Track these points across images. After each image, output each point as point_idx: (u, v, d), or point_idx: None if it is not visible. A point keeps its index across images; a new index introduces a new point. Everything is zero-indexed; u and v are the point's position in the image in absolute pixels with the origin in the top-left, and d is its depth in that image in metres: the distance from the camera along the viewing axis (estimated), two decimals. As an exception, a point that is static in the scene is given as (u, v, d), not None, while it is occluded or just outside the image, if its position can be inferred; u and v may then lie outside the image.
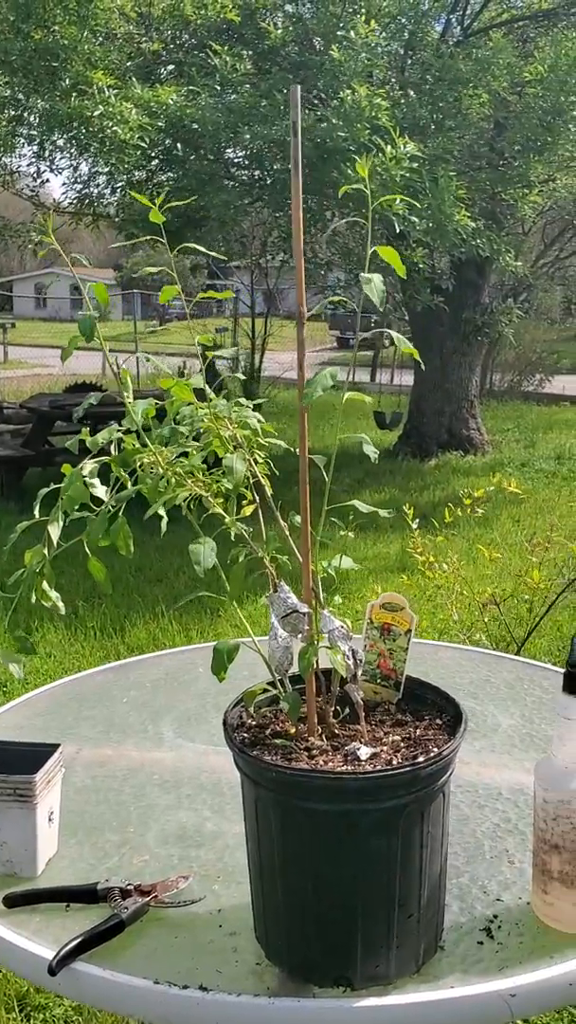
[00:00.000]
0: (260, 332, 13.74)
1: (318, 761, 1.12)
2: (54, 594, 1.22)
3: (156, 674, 2.17)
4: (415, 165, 6.19)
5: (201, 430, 1.23)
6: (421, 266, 7.15)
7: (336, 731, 1.21)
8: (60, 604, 1.21)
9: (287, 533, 1.19)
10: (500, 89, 7.24)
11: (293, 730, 1.19)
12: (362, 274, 1.09)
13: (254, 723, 1.23)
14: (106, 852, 1.45)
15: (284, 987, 1.14)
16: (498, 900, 1.30)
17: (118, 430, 1.26)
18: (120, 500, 1.20)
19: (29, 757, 1.40)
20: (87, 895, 1.31)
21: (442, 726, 1.21)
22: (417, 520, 2.97)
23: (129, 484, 1.23)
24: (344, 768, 1.09)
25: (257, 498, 1.21)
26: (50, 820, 1.41)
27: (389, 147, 6.14)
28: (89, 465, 1.23)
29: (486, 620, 2.98)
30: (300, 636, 1.15)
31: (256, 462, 1.21)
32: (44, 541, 1.18)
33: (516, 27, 9.18)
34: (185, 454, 1.21)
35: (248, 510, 1.18)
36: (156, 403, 1.25)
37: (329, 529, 1.22)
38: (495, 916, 1.27)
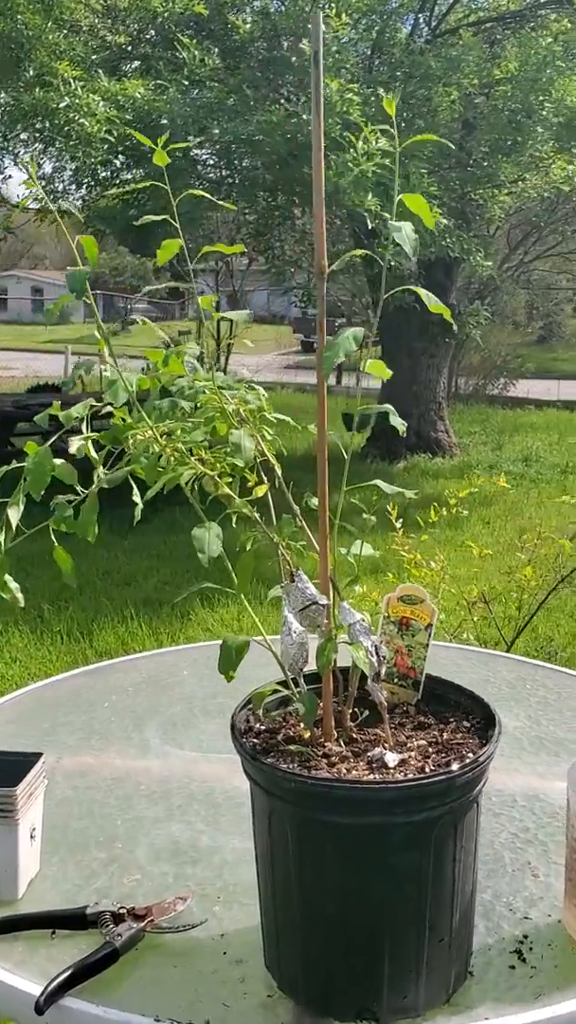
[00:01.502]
0: (225, 334, 13.60)
1: (340, 769, 1.01)
2: (13, 584, 1.09)
3: (136, 677, 2.04)
4: (387, 161, 6.11)
5: (198, 405, 1.11)
6: (393, 264, 7.06)
7: (354, 735, 1.09)
8: (19, 596, 1.09)
9: (301, 518, 1.07)
10: (471, 87, 7.19)
11: (308, 734, 1.08)
12: (391, 222, 0.98)
13: (263, 727, 1.11)
14: (93, 871, 1.32)
15: (300, 1022, 1.03)
16: (526, 918, 1.20)
17: (95, 405, 1.14)
18: (112, 482, 1.08)
19: (7, 768, 1.26)
20: (75, 920, 1.18)
21: (471, 729, 1.11)
22: (400, 521, 2.87)
23: (101, 468, 1.11)
24: (372, 777, 0.98)
25: (266, 480, 1.10)
26: (32, 837, 1.28)
27: (361, 143, 6.05)
28: (76, 443, 1.11)
29: (475, 619, 2.89)
30: (318, 631, 1.04)
31: (264, 439, 1.09)
32: (2, 525, 1.06)
33: (483, 28, 9.16)
34: (182, 431, 1.09)
35: (260, 490, 1.06)
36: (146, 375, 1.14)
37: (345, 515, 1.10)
38: (525, 936, 1.16)
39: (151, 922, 1.17)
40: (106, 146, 6.88)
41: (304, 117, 6.47)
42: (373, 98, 7.10)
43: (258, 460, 1.09)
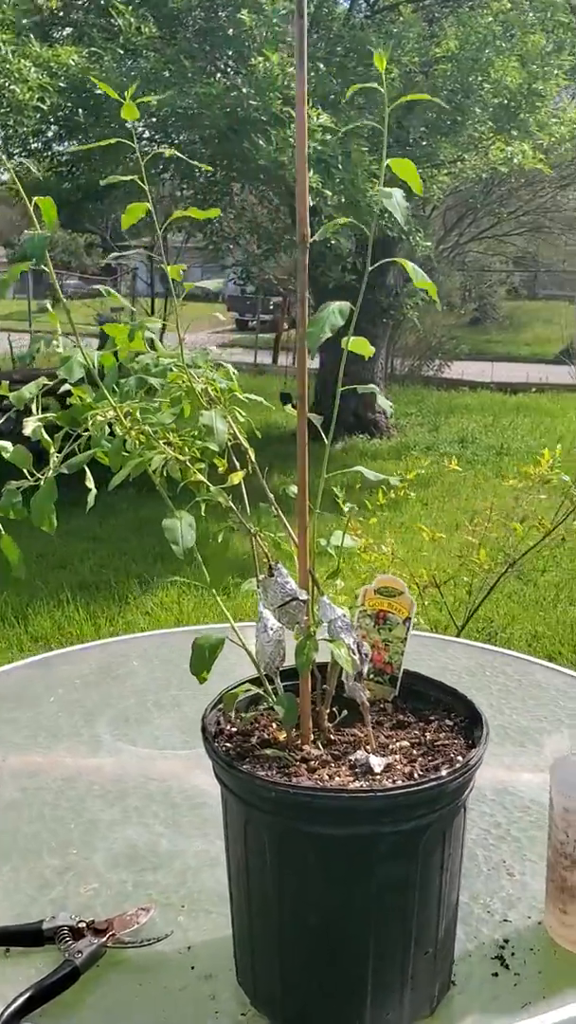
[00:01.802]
0: (160, 312, 13.38)
1: (321, 775, 0.94)
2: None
3: (84, 669, 1.95)
4: (328, 137, 6.03)
5: (163, 384, 1.03)
6: (333, 242, 6.99)
7: (333, 737, 1.03)
8: None
9: (277, 506, 1.00)
10: (411, 64, 7.13)
11: (283, 737, 1.01)
12: (381, 188, 0.91)
13: (235, 730, 1.04)
14: (47, 880, 1.24)
15: (278, 1042, 0.97)
16: (505, 921, 1.15)
17: (47, 384, 1.05)
18: (73, 467, 0.99)
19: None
20: (30, 936, 1.11)
21: (454, 728, 1.05)
22: (348, 504, 2.81)
23: (54, 450, 1.03)
24: (357, 784, 0.92)
25: (238, 465, 1.02)
26: (-19, 847, 1.19)
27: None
28: (31, 424, 1.02)
29: (425, 603, 2.85)
30: (297, 628, 0.97)
31: (236, 421, 1.01)
32: None
33: (423, 6, 9.09)
34: (149, 411, 1.01)
35: (236, 477, 0.99)
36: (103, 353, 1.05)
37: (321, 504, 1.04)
38: (506, 941, 1.12)
39: (112, 936, 1.10)
40: (38, 115, 6.66)
41: (244, 91, 6.33)
42: (312, 73, 7.00)
43: (230, 444, 1.02)
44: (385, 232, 7.66)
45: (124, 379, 0.98)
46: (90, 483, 1.09)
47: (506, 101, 7.86)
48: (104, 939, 1.09)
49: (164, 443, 0.97)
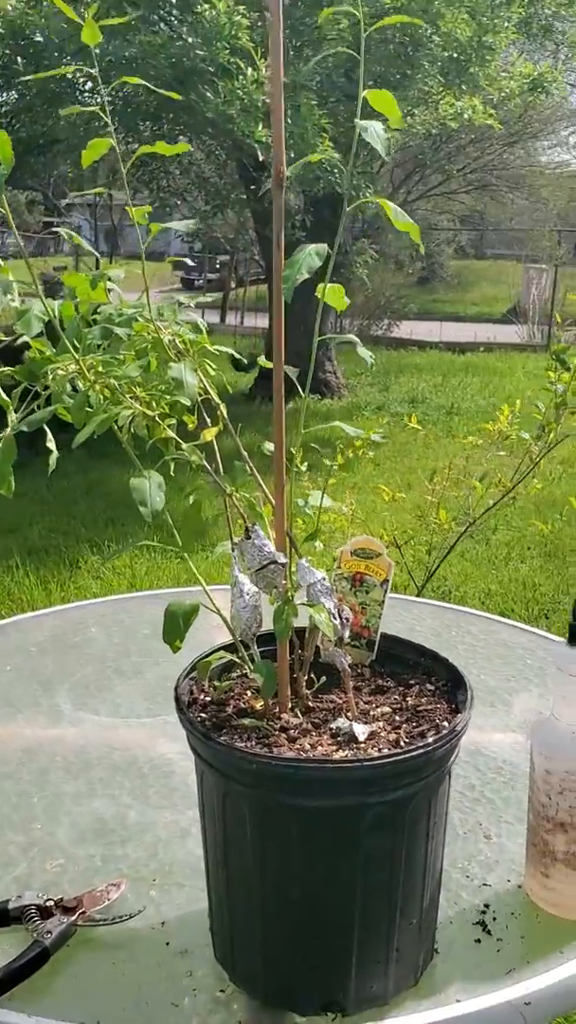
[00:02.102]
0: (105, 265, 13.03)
1: (302, 745, 0.90)
2: None
3: (39, 636, 1.89)
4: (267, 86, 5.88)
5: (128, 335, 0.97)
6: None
7: (311, 704, 0.99)
8: None
9: (252, 465, 0.95)
10: (360, 15, 6.96)
11: (260, 705, 0.97)
12: (359, 120, 0.85)
13: (209, 699, 0.99)
14: (11, 857, 1.19)
15: (259, 1019, 0.94)
16: (485, 885, 1.13)
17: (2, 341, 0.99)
18: (33, 425, 0.93)
19: None
20: (-5, 917, 1.06)
21: (436, 692, 1.02)
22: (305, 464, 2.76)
23: (11, 409, 0.96)
24: (342, 754, 0.88)
25: (209, 422, 0.97)
26: None
27: (250, 70, 5.81)
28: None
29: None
30: (275, 592, 0.92)
31: (206, 374, 0.96)
32: None
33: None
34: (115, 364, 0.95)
35: (210, 433, 0.93)
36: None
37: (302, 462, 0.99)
38: (486, 906, 1.10)
39: (83, 914, 1.06)
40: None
41: (189, 40, 6.15)
42: (260, 23, 6.82)
43: (199, 399, 0.96)
44: (334, 188, 7.56)
45: (87, 330, 0.91)
46: (51, 443, 1.03)
47: (456, 55, 7.76)
48: (74, 917, 1.04)
49: (131, 398, 0.92)
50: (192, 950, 1.03)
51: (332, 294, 0.93)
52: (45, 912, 1.05)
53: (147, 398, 0.94)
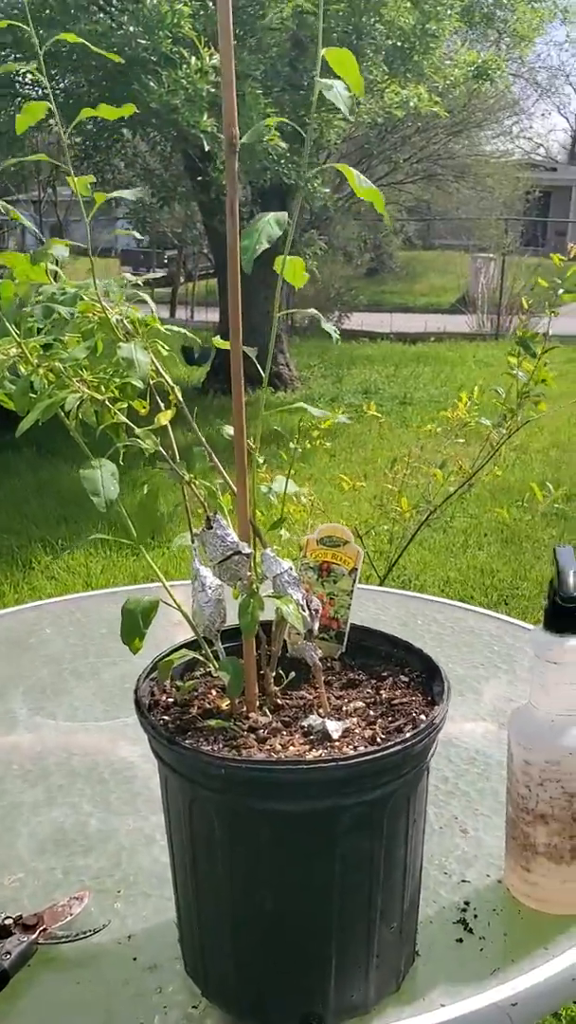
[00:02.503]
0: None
1: (273, 745, 0.85)
2: None
3: (-8, 639, 1.82)
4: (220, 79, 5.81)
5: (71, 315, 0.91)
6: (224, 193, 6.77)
7: (280, 701, 0.94)
8: None
9: (211, 451, 0.90)
10: (304, 3, 6.92)
11: (226, 705, 0.91)
12: (319, 79, 0.80)
13: (172, 700, 0.94)
14: (-35, 874, 1.13)
15: (235, 1035, 0.89)
16: (464, 881, 1.09)
17: None
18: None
19: None
20: (-50, 940, 0.99)
21: (410, 684, 0.97)
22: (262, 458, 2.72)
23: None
24: (316, 753, 0.83)
25: (162, 406, 0.91)
26: None
27: (194, 59, 5.72)
28: None
29: (346, 555, 2.79)
30: (240, 584, 0.87)
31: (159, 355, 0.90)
32: None
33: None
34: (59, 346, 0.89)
35: (165, 416, 0.88)
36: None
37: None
38: (466, 903, 1.06)
39: (44, 932, 1.00)
40: None
41: (131, 29, 6.05)
42: (203, 12, 6.74)
43: (151, 382, 0.91)
44: (282, 179, 7.49)
45: (26, 309, 0.85)
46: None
47: (400, 43, 7.74)
48: (34, 935, 0.98)
49: (78, 382, 0.86)
50: (161, 964, 0.97)
51: (292, 267, 0.88)
52: (3, 931, 0.99)
53: (95, 382, 0.88)
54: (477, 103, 12.52)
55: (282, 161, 7.23)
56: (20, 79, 7.82)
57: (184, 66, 5.73)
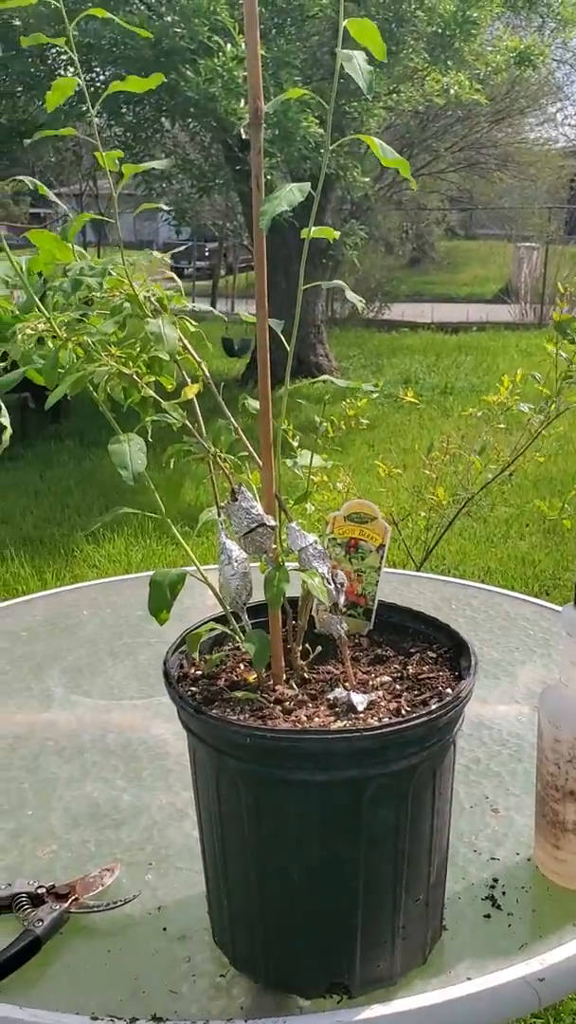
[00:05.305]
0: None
1: (299, 717, 0.86)
2: None
3: (30, 621, 1.85)
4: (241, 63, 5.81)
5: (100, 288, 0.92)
6: (269, 178, 6.78)
7: (306, 675, 0.95)
8: None
9: (236, 425, 0.90)
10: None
11: (253, 678, 0.92)
12: (340, 50, 0.80)
13: (200, 673, 0.95)
14: (1, 845, 1.15)
15: (262, 1003, 0.89)
16: (493, 859, 1.09)
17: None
18: (3, 386, 0.88)
19: None
20: (-15, 907, 1.01)
21: (438, 660, 0.97)
22: (298, 444, 2.72)
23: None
24: (340, 724, 0.83)
25: (189, 381, 0.92)
26: None
27: (229, 46, 5.72)
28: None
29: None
30: (265, 557, 0.87)
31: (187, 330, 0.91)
32: None
33: None
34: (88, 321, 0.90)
35: (191, 391, 0.88)
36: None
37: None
38: (495, 880, 1.06)
39: (75, 901, 1.01)
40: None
41: (168, 19, 6.06)
42: (239, 1, 6.72)
43: (179, 358, 0.91)
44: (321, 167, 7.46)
45: (55, 284, 0.86)
46: (5, 419, 0.97)
47: (440, 30, 7.67)
48: (67, 904, 1.00)
49: (106, 355, 0.87)
50: (190, 935, 0.99)
51: (322, 231, 0.87)
52: (37, 900, 1.01)
53: (124, 357, 0.89)
54: (520, 90, 12.35)
55: (321, 150, 7.20)
56: (61, 71, 7.88)
57: (220, 54, 5.73)
